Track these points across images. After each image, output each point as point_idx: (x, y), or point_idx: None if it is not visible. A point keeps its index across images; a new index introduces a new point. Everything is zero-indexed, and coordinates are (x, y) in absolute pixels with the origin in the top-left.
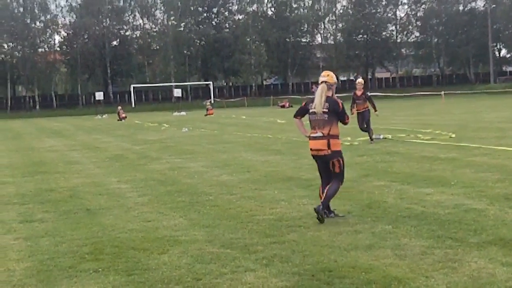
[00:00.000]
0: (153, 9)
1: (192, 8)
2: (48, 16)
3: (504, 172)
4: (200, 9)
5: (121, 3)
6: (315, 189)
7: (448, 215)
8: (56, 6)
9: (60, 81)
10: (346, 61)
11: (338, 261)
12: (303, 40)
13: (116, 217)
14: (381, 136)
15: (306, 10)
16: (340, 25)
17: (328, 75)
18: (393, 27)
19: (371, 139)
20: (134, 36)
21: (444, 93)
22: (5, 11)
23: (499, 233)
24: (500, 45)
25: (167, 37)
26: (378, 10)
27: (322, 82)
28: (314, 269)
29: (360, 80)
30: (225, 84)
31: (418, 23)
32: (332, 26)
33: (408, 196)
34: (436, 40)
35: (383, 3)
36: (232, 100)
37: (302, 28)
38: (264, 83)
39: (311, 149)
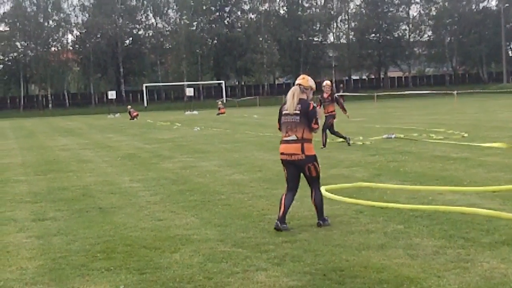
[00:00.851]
0: (165, 8)
1: (204, 7)
2: (61, 15)
3: None
4: (212, 8)
5: (134, 3)
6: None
7: (460, 215)
8: (68, 5)
9: (73, 80)
10: (359, 60)
11: (350, 260)
12: (316, 39)
13: (128, 216)
14: (393, 136)
15: (318, 9)
16: (353, 24)
17: (303, 78)
18: (406, 26)
19: (344, 138)
20: (147, 35)
21: (457, 93)
22: (18, 10)
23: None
24: None
25: (179, 36)
26: (391, 9)
27: (296, 84)
28: (326, 268)
29: (327, 82)
30: (237, 83)
31: (430, 22)
32: (344, 25)
33: (420, 196)
34: (448, 39)
35: (396, 2)
36: (244, 99)
37: (314, 27)
38: (276, 82)
39: (282, 153)
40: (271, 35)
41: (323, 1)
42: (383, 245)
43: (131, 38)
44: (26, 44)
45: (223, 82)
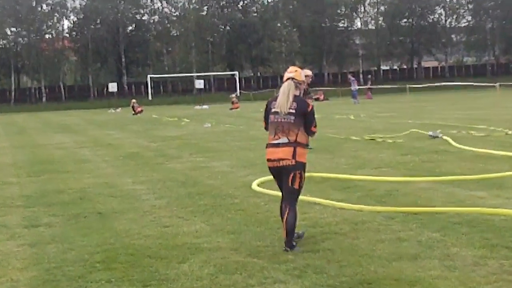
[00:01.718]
0: None
1: None
2: None
3: None
4: None
5: None
6: (353, 191)
7: (504, 222)
8: None
9: (69, 71)
10: (389, 48)
11: (379, 272)
12: (341, 25)
13: (130, 222)
14: (440, 135)
15: None
16: (382, 8)
17: (296, 70)
18: (442, 10)
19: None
20: (152, 21)
21: (499, 85)
22: None
23: None
24: None
25: (188, 22)
26: None
27: (288, 78)
28: (352, 281)
29: (308, 72)
30: (252, 74)
31: (469, 5)
32: (373, 9)
33: (458, 200)
34: (490, 24)
35: None
36: (260, 92)
37: (339, 11)
38: None
39: (268, 159)
40: (291, 20)
41: None
42: (417, 255)
43: (134, 24)
44: (16, 31)
45: (236, 73)
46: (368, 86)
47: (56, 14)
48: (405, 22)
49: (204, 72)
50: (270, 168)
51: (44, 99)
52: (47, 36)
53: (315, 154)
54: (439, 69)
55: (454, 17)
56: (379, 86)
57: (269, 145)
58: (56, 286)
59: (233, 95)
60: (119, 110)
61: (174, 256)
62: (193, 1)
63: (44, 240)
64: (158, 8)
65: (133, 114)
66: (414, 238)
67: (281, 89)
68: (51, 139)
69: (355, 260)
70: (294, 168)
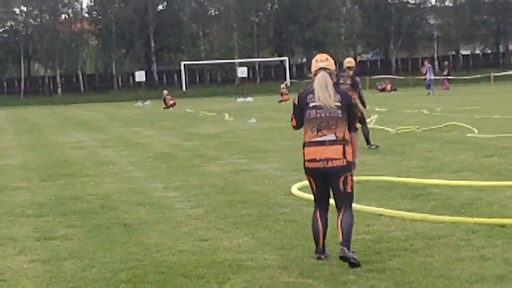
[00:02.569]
0: None
1: None
2: None
3: None
4: None
5: None
6: (427, 200)
7: None
8: None
9: (89, 58)
10: (470, 29)
11: None
12: (411, 1)
13: (161, 235)
14: None
15: None
16: None
17: (327, 59)
18: None
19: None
20: None
21: None
22: None
23: None
24: None
25: None
26: None
27: (320, 68)
28: None
29: (350, 59)
30: (305, 60)
31: None
32: None
33: None
34: None
35: None
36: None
37: None
38: (359, 58)
39: (311, 160)
40: None
41: None
42: (503, 276)
43: (165, 3)
44: (27, 10)
45: (286, 59)
46: (445, 74)
47: None
48: None
49: (248, 58)
50: (312, 170)
51: (59, 90)
52: (63, 16)
53: (380, 155)
54: None
55: None
56: (458, 77)
57: (311, 144)
58: None
59: (283, 85)
60: (147, 103)
61: (212, 275)
62: None
63: (60, 256)
64: None
65: (164, 107)
66: (499, 256)
67: (317, 82)
68: (67, 137)
69: (429, 282)
70: (345, 170)
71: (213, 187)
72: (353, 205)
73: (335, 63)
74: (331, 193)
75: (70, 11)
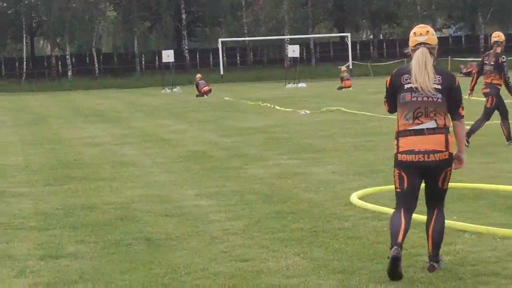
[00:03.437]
0: None
1: None
2: None
3: None
4: None
5: None
6: None
7: None
8: None
9: (106, 33)
10: None
11: None
12: None
13: (193, 253)
14: None
15: None
16: None
17: (427, 32)
18: None
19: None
20: None
21: None
22: None
23: None
24: None
25: None
26: None
27: (418, 44)
28: None
29: (498, 33)
30: (371, 37)
31: None
32: None
33: None
34: None
35: None
36: (382, 64)
37: None
38: (438, 34)
39: (409, 151)
40: None
41: None
42: None
43: None
44: None
45: (348, 35)
46: None
47: None
48: None
49: (301, 34)
50: (407, 163)
51: (69, 73)
52: None
53: (468, 157)
54: None
55: None
56: None
57: (407, 133)
58: None
59: (343, 68)
60: (176, 89)
61: None
62: None
63: (68, 278)
64: None
65: (197, 95)
66: None
67: (415, 60)
68: (79, 131)
69: None
70: (447, 164)
71: (257, 194)
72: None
73: (408, 40)
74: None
75: None
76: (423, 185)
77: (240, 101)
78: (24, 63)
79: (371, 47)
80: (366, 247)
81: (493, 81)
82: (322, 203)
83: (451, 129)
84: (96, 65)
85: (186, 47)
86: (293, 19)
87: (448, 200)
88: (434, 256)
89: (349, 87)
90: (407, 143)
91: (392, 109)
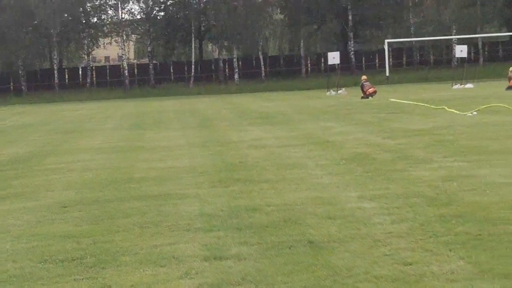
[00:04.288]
0: None
1: None
2: None
3: None
4: None
5: None
6: None
7: None
8: None
9: (272, 36)
10: None
11: None
12: None
13: (355, 255)
14: None
15: None
16: None
17: None
18: None
19: None
20: None
21: None
22: None
23: None
24: None
25: None
26: None
27: None
28: None
29: None
30: None
31: None
32: None
33: None
34: None
35: None
36: None
37: None
38: None
39: None
40: None
41: None
42: None
43: None
44: None
45: None
46: None
47: None
48: None
49: (469, 33)
50: None
51: (236, 76)
52: None
53: None
54: None
55: None
56: None
57: None
58: None
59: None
60: (342, 91)
61: None
62: None
63: (232, 279)
64: None
65: (363, 97)
66: None
67: None
68: (244, 134)
69: None
70: None
71: (421, 197)
72: None
73: None
74: None
75: None
76: None
77: (406, 103)
78: (193, 66)
79: None
80: None
81: None
82: (487, 206)
83: None
84: (262, 68)
85: (352, 48)
86: (461, 19)
87: None
88: None
89: None
90: None
91: None
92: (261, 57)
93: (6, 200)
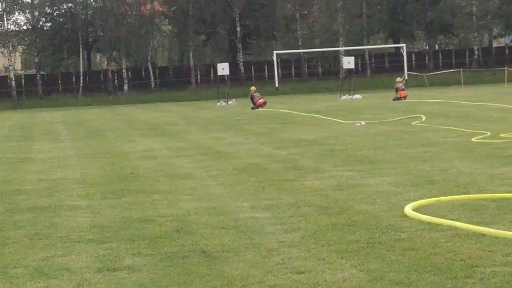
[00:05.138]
0: None
1: None
2: None
3: None
4: None
5: None
6: None
7: None
8: None
9: (161, 47)
10: None
11: None
12: None
13: (249, 265)
14: None
15: None
16: None
17: None
18: None
19: None
20: None
21: None
22: None
23: None
24: None
25: None
26: None
27: None
28: None
29: None
30: (426, 47)
31: None
32: None
33: None
34: None
35: None
36: (438, 72)
37: None
38: (495, 44)
39: None
40: None
41: None
42: None
43: None
44: None
45: (403, 46)
46: None
47: None
48: None
49: (356, 45)
50: None
51: (125, 87)
52: None
53: None
54: None
55: None
56: None
57: None
58: None
59: (399, 79)
60: (232, 102)
61: None
62: None
63: None
64: None
65: (253, 107)
66: None
67: None
68: (135, 144)
69: None
70: None
71: (312, 206)
72: (487, 229)
73: (464, 50)
74: None
75: None
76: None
77: (295, 113)
78: (81, 77)
79: (427, 58)
80: (423, 259)
81: None
82: (378, 214)
83: None
84: (152, 80)
85: (241, 60)
86: (348, 31)
87: (506, 210)
88: None
89: (404, 97)
90: None
91: None
92: (150, 68)
93: None
